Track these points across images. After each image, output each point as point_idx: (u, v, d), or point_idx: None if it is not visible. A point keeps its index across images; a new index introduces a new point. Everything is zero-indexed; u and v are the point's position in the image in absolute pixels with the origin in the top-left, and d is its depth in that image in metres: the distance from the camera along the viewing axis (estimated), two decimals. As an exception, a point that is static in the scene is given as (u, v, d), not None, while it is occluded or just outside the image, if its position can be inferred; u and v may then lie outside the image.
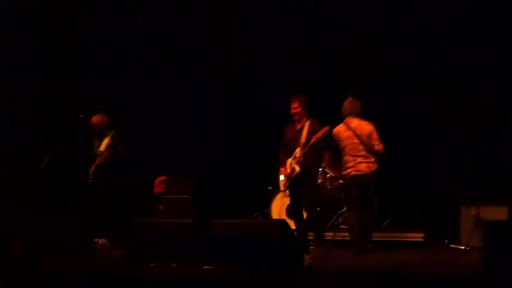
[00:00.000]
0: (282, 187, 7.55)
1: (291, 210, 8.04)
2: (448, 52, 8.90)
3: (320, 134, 7.23)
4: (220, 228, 6.65)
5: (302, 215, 7.59)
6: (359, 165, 7.55)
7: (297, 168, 7.23)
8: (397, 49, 9.13)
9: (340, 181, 9.10)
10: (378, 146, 7.55)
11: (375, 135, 7.60)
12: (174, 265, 6.43)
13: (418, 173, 8.92)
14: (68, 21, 10.54)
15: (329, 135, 7.50)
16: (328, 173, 9.14)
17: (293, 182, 7.34)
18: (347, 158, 7.62)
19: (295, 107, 7.37)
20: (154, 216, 9.13)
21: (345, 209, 9.02)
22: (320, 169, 9.04)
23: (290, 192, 7.47)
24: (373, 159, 7.57)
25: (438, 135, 9.06)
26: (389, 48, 9.21)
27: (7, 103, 9.76)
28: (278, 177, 7.68)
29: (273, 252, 6.16)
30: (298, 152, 7.29)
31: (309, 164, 7.31)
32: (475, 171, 8.44)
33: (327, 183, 9.17)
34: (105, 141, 8.28)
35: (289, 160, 7.37)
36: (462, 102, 8.96)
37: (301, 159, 7.24)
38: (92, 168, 8.25)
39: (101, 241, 7.98)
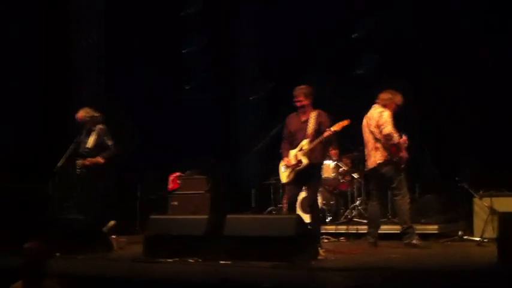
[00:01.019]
0: (285, 179, 7.18)
1: (305, 204, 7.99)
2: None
3: (338, 127, 6.86)
4: (235, 224, 6.70)
5: (316, 208, 7.47)
6: (368, 159, 7.44)
7: (305, 161, 6.90)
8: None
9: (354, 175, 9.14)
10: (385, 129, 7.10)
11: (382, 120, 7.14)
12: (191, 261, 6.49)
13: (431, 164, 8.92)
14: (69, 21, 10.59)
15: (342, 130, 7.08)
16: (341, 167, 9.16)
17: (298, 174, 7.03)
18: (365, 150, 7.51)
19: (300, 100, 6.98)
20: (168, 213, 9.22)
21: (357, 202, 9.07)
22: (333, 163, 9.05)
23: (292, 184, 7.14)
24: (380, 149, 7.22)
25: (455, 125, 9.08)
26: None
27: (7, 103, 9.79)
28: (279, 168, 7.31)
29: (288, 247, 6.18)
30: (305, 143, 6.94)
31: (316, 156, 6.98)
32: (489, 161, 8.42)
33: (339, 177, 9.19)
34: (92, 138, 8.07)
35: (294, 151, 7.02)
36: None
37: (309, 151, 6.92)
38: (80, 162, 8.07)
39: (116, 237, 8.04)
